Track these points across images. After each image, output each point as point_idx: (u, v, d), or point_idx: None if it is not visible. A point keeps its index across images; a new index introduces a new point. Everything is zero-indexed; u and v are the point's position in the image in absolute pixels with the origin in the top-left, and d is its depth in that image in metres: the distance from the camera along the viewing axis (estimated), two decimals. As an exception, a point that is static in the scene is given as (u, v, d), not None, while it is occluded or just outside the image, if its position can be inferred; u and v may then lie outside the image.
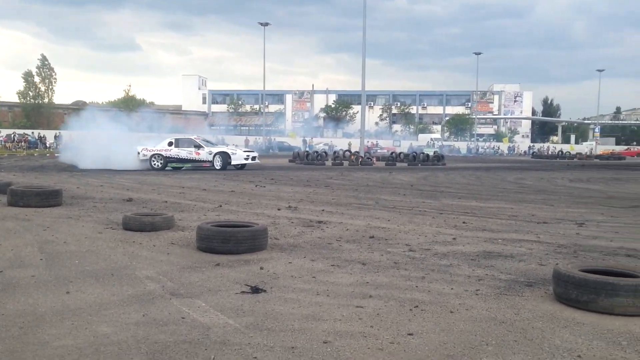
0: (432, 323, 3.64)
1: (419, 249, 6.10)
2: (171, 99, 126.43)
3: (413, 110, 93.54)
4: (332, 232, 7.05)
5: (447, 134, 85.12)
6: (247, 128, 76.77)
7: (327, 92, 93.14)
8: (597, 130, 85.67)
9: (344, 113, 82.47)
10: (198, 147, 22.88)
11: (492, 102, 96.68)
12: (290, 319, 3.66)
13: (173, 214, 7.72)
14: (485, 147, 74.36)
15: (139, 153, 22.15)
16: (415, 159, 32.18)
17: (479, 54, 71.38)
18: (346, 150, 36.10)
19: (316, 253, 5.76)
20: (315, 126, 79.44)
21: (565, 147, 73.35)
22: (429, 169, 27.03)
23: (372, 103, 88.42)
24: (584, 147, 74.46)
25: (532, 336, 3.43)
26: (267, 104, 78.33)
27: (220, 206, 9.59)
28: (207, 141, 24.82)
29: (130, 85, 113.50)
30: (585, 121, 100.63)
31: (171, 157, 22.48)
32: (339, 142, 56.73)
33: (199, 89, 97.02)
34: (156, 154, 22.37)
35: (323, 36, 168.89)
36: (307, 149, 38.24)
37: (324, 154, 32.47)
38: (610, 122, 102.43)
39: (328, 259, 5.47)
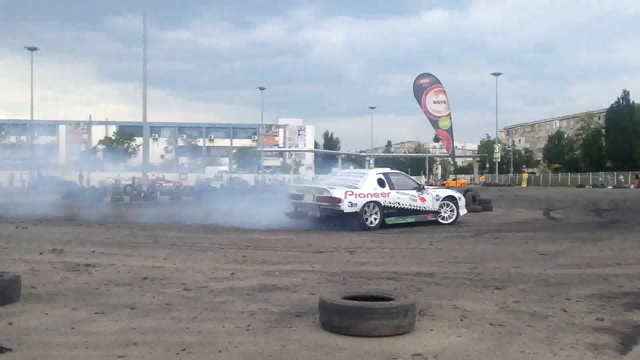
0: (199, 365, 3.52)
1: (194, 288, 5.93)
2: None
3: (200, 142, 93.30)
4: (101, 276, 6.56)
5: (235, 167, 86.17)
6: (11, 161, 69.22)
7: (106, 123, 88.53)
8: (371, 162, 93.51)
9: (125, 145, 78.94)
10: (419, 189, 14.33)
11: (278, 135, 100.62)
12: (38, 380, 3.26)
13: None
14: (272, 179, 76.62)
15: (339, 201, 12.51)
16: (202, 193, 31.89)
17: (263, 89, 73.89)
18: (127, 185, 34.50)
19: (79, 300, 5.27)
20: (94, 159, 74.88)
21: (344, 178, 78.56)
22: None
23: (156, 135, 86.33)
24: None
25: (296, 367, 3.48)
26: (36, 136, 72.13)
27: (-30, 253, 8.39)
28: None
29: None
30: (362, 153, 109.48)
31: (390, 207, 13.46)
32: (123, 176, 54.07)
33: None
34: (372, 201, 13.08)
35: (101, 64, 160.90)
36: (84, 185, 35.82)
37: (102, 189, 30.61)
38: (383, 154, 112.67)
39: (92, 306, 5.04)
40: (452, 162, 62.36)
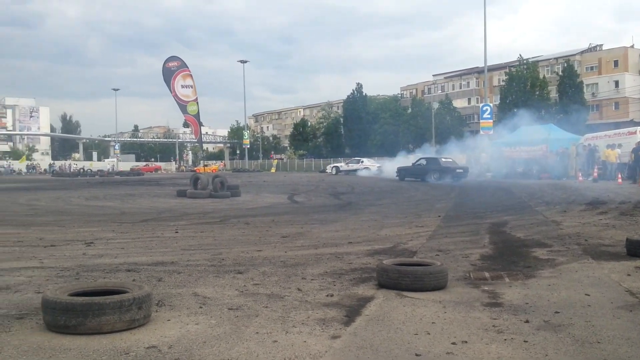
0: None
1: None
2: None
3: None
4: None
5: (-48, 153, 74.98)
6: None
7: None
8: (117, 147, 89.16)
9: None
10: None
11: (6, 117, 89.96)
12: None
13: None
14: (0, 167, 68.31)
15: None
16: None
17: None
18: None
19: None
20: None
21: (87, 164, 73.96)
22: None
23: None
24: (106, 164, 76.48)
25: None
26: None
27: None
28: None
29: None
30: (106, 138, 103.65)
31: None
32: None
33: None
34: None
35: None
36: None
37: None
38: (129, 139, 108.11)
39: None
40: (201, 148, 62.40)
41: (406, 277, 5.13)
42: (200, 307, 4.53)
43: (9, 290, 5.17)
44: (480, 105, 41.17)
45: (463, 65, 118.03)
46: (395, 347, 3.60)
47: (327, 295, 4.99)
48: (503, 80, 64.02)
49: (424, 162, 32.50)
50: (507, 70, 63.34)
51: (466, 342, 3.69)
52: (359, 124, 76.03)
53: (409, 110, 75.48)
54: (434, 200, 17.62)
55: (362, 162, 48.78)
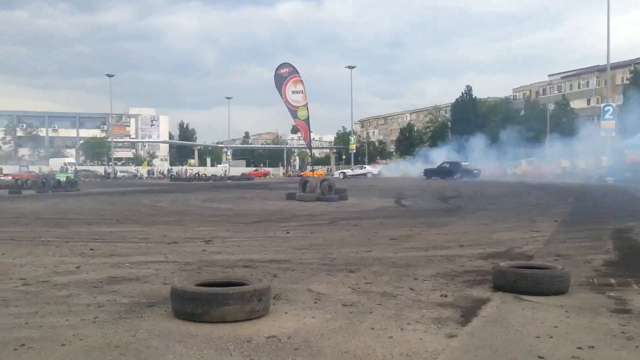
0: (37, 362, 3.24)
1: (35, 282, 5.47)
2: None
3: (42, 132, 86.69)
4: None
5: (82, 158, 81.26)
6: None
7: None
8: (229, 153, 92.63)
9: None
10: None
11: (129, 126, 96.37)
12: None
13: None
14: (124, 171, 73.26)
15: None
16: (45, 186, 29.64)
17: (112, 76, 70.15)
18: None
19: None
20: None
21: (202, 170, 77.49)
22: (60, 195, 25.13)
23: (-11, 124, 79.11)
24: (219, 169, 79.68)
25: (146, 355, 3.34)
26: None
27: None
28: None
29: None
30: (219, 145, 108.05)
31: None
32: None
33: None
34: None
35: None
36: None
37: None
38: (240, 146, 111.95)
39: None
40: (309, 153, 63.69)
41: (524, 280, 4.95)
42: (315, 302, 4.63)
43: (139, 281, 5.56)
44: (602, 105, 38.78)
45: (581, 64, 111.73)
46: (516, 349, 3.49)
47: (441, 296, 4.93)
48: (627, 79, 59.90)
49: (447, 165, 44.60)
50: (632, 67, 59.21)
51: (593, 347, 3.51)
52: (467, 128, 74.09)
53: (522, 113, 72.51)
54: (548, 205, 16.85)
55: (365, 167, 62.64)
